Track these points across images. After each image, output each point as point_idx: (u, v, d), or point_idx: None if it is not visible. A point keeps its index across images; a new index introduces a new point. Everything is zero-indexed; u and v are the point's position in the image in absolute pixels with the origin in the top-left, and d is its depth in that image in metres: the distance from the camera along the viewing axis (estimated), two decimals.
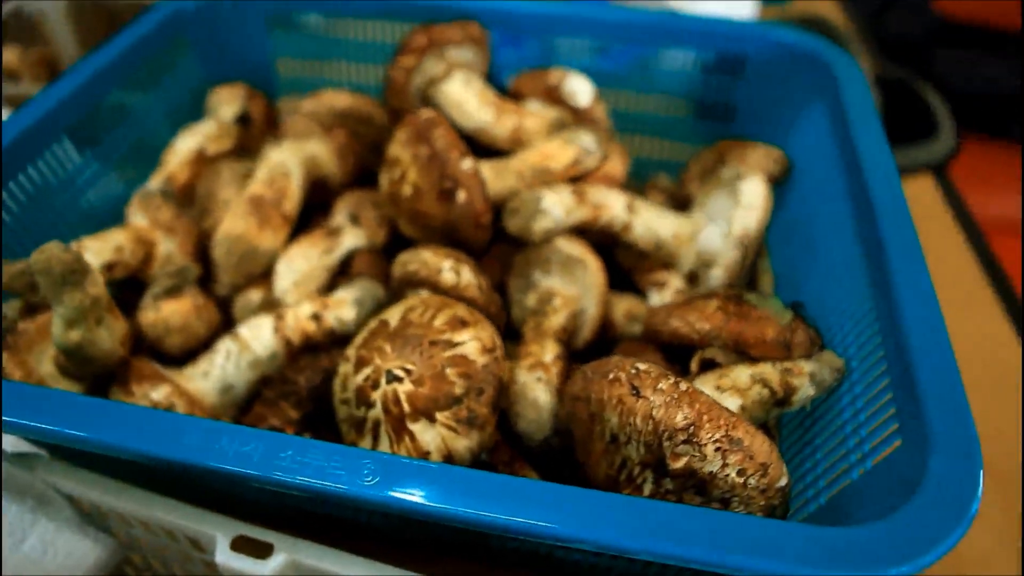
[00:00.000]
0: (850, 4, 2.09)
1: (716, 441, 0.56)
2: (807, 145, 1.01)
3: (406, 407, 0.60)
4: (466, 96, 1.00)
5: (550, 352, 0.77)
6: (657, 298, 0.90)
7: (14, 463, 0.67)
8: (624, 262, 0.94)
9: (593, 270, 0.84)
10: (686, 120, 1.22)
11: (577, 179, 0.94)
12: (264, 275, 0.88)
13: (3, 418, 0.56)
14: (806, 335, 0.74)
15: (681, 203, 1.06)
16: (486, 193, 0.81)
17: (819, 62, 0.99)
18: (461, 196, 0.79)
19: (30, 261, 0.64)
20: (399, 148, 0.84)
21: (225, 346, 0.77)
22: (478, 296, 0.75)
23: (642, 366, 0.60)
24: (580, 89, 1.04)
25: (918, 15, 2.61)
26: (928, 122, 1.52)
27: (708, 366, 0.73)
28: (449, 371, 0.61)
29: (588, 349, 0.88)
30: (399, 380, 0.61)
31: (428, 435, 0.60)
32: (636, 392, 0.58)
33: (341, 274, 0.90)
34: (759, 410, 0.69)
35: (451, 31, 0.99)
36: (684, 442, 0.56)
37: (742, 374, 0.70)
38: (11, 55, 1.47)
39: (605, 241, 0.90)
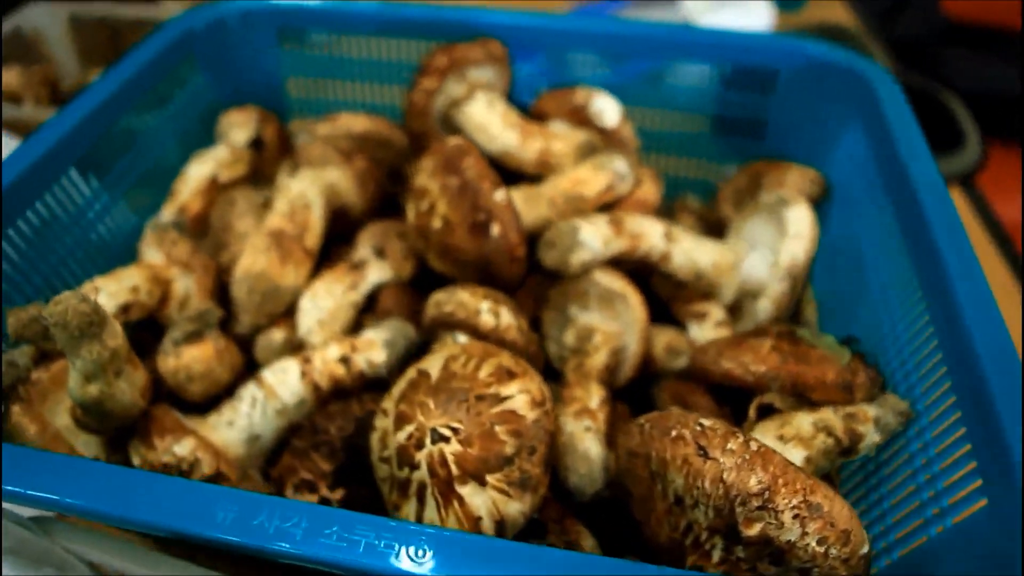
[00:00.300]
0: (860, 7, 2.06)
1: (794, 507, 0.52)
2: (844, 164, 0.97)
3: (454, 469, 0.56)
4: (490, 118, 0.96)
5: (596, 396, 0.73)
6: (697, 330, 0.86)
7: (29, 528, 0.63)
8: (661, 292, 0.90)
9: (634, 305, 0.80)
10: (705, 136, 1.18)
11: (609, 205, 0.90)
12: (286, 312, 0.83)
13: (5, 488, 0.52)
14: (867, 376, 0.70)
15: (713, 227, 1.03)
16: (520, 225, 0.77)
17: (855, 76, 0.95)
18: (495, 229, 0.75)
19: (45, 313, 0.60)
20: (426, 178, 0.79)
21: (250, 393, 0.73)
22: (518, 339, 0.71)
23: (707, 422, 0.56)
24: (607, 109, 1.00)
25: (927, 17, 2.58)
26: (953, 132, 1.49)
27: (765, 411, 0.69)
28: (498, 429, 0.57)
29: (628, 385, 0.84)
30: (445, 440, 0.57)
31: (479, 499, 0.56)
32: (704, 453, 0.54)
33: (366, 310, 0.86)
34: (824, 460, 0.65)
35: (473, 51, 0.95)
36: (759, 508, 0.52)
37: (804, 422, 0.66)
38: (11, 76, 1.42)
39: (640, 270, 0.86)
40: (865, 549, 0.54)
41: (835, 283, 0.90)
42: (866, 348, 0.79)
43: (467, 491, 0.56)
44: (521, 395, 0.59)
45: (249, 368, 0.81)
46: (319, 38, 1.14)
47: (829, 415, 0.66)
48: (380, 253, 0.85)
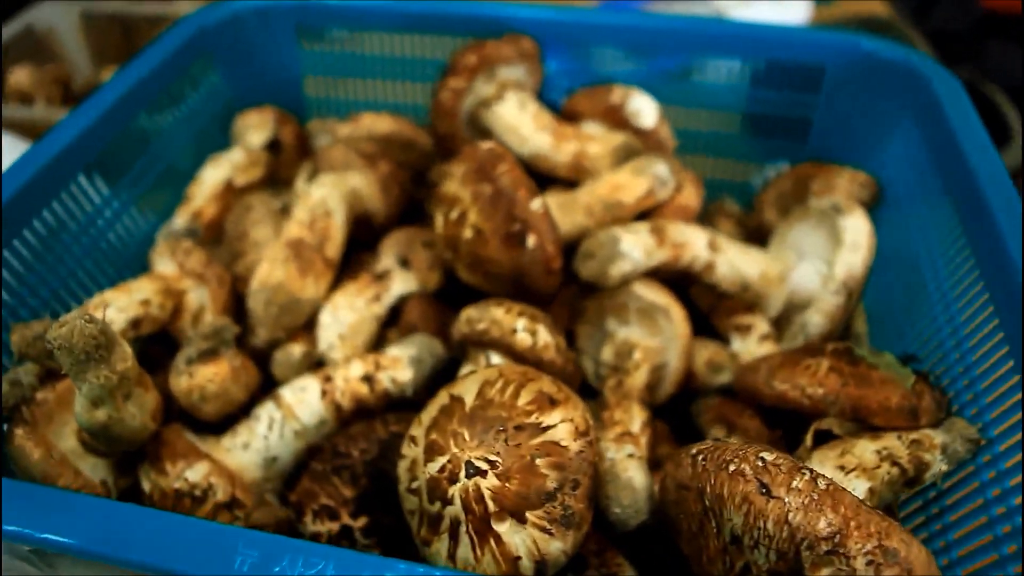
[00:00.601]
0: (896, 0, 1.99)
1: (867, 552, 0.47)
2: (897, 165, 0.92)
3: (491, 506, 0.51)
4: (521, 119, 0.91)
5: (638, 419, 0.68)
6: (740, 344, 0.81)
7: (31, 562, 0.59)
8: (701, 302, 0.85)
9: (677, 319, 0.74)
10: (738, 136, 1.13)
11: (648, 212, 0.85)
12: (306, 326, 0.79)
13: (5, 528, 0.48)
14: (933, 399, 0.64)
15: (753, 233, 0.97)
16: (558, 236, 0.72)
17: (911, 72, 0.89)
18: (531, 241, 0.70)
19: (49, 336, 0.56)
20: (457, 185, 0.75)
21: (267, 413, 0.69)
22: (556, 359, 0.66)
23: (769, 456, 0.51)
24: (645, 108, 0.95)
25: (964, 7, 2.50)
26: (999, 127, 1.42)
27: (822, 437, 0.64)
28: (540, 462, 0.52)
29: (667, 402, 0.79)
30: (482, 473, 0.52)
31: (517, 538, 0.51)
32: (766, 491, 0.49)
33: (390, 323, 0.81)
34: (888, 492, 0.60)
35: (504, 48, 0.90)
36: (828, 552, 0.47)
37: (867, 451, 0.60)
38: (23, 75, 1.39)
39: (679, 280, 0.81)
40: None
41: (887, 293, 0.84)
42: (927, 366, 0.73)
43: (505, 529, 0.52)
44: (563, 424, 0.54)
45: (266, 384, 0.76)
46: (339, 34, 1.09)
47: (893, 442, 0.61)
48: (405, 263, 0.81)
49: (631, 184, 0.82)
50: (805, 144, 1.03)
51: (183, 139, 0.99)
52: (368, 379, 0.70)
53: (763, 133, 1.11)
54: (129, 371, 0.59)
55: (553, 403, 0.55)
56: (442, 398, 0.59)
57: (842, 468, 0.59)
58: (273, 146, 1.03)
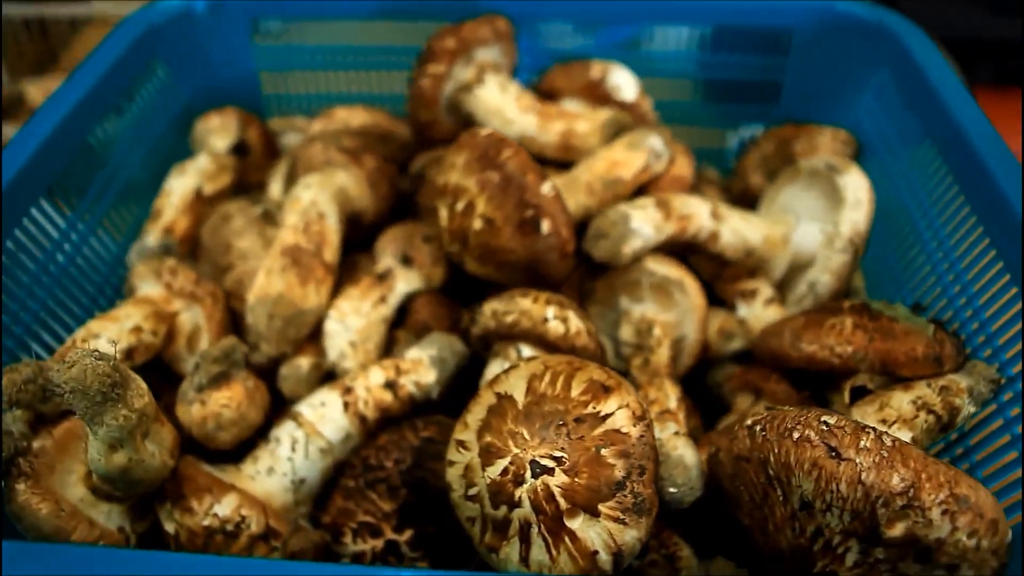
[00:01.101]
0: None
1: (941, 502, 0.48)
2: (874, 120, 0.94)
3: (563, 503, 0.50)
4: (504, 102, 0.89)
5: (672, 396, 0.67)
6: (747, 310, 0.81)
7: None
8: (703, 271, 0.85)
9: (692, 291, 0.74)
10: (700, 103, 1.13)
11: (644, 186, 0.84)
12: (310, 336, 0.75)
13: None
14: (953, 346, 0.66)
15: (739, 198, 0.98)
16: (570, 219, 0.70)
17: (882, 30, 0.91)
18: (545, 226, 0.68)
19: (58, 378, 0.51)
20: (459, 175, 0.72)
21: (288, 433, 0.65)
22: (589, 344, 0.65)
23: (831, 419, 0.51)
24: (625, 82, 0.94)
25: None
26: None
27: (856, 393, 0.65)
28: (605, 452, 0.51)
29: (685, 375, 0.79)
30: (549, 472, 0.50)
31: (592, 532, 0.50)
32: (836, 454, 0.49)
33: (396, 324, 0.78)
34: (927, 440, 0.61)
35: (481, 29, 0.87)
36: (903, 507, 0.48)
37: (903, 402, 0.61)
38: None
39: (681, 251, 0.81)
40: (1010, 536, 0.51)
41: (878, 245, 0.86)
42: (931, 313, 0.75)
43: (578, 525, 0.50)
44: (621, 411, 0.53)
45: (275, 404, 0.72)
46: (296, 26, 1.04)
47: (926, 391, 0.62)
48: (406, 260, 0.78)
49: (628, 159, 0.81)
50: (777, 106, 1.04)
51: (142, 149, 0.92)
52: (391, 385, 0.67)
53: (731, 98, 1.12)
54: (148, 408, 0.54)
55: (607, 390, 0.54)
56: (486, 398, 0.57)
57: (884, 422, 0.60)
58: (239, 149, 0.98)
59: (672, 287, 0.74)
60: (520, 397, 0.55)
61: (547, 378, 0.55)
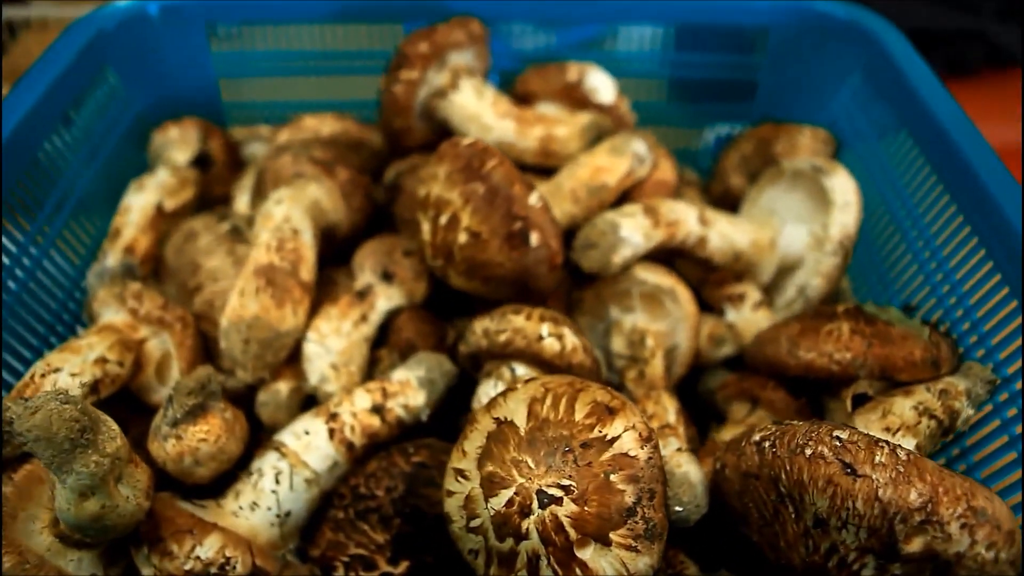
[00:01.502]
0: None
1: (960, 516, 0.47)
2: (851, 118, 0.93)
3: (572, 533, 0.47)
4: (481, 107, 0.86)
5: (671, 409, 0.65)
6: (735, 314, 0.80)
7: None
8: (688, 276, 0.83)
9: (684, 299, 0.73)
10: (664, 104, 1.12)
11: (628, 192, 0.82)
12: (288, 358, 0.71)
13: None
14: (949, 347, 0.66)
15: (719, 200, 0.97)
16: (559, 230, 0.68)
17: (859, 29, 0.90)
18: (534, 238, 0.66)
19: (17, 426, 0.46)
20: (441, 187, 0.69)
21: (271, 465, 0.62)
22: (585, 360, 0.62)
23: (843, 434, 0.50)
24: (602, 85, 0.92)
25: None
26: None
27: (857, 400, 0.64)
28: (614, 478, 0.49)
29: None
30: (557, 501, 0.48)
31: (603, 562, 0.48)
32: (851, 470, 0.48)
33: (378, 343, 0.75)
34: (930, 446, 0.61)
35: (454, 32, 0.84)
36: (922, 522, 0.47)
37: (905, 408, 0.61)
38: None
39: (667, 257, 0.79)
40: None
41: (861, 246, 0.86)
42: (919, 314, 0.75)
43: (589, 555, 0.48)
44: (628, 433, 0.51)
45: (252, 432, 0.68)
46: (256, 30, 0.99)
47: (926, 396, 0.62)
48: (387, 276, 0.74)
49: (612, 165, 0.79)
50: (752, 105, 1.03)
51: (96, 163, 0.87)
52: (378, 410, 0.64)
53: (705, 97, 1.11)
54: (120, 451, 0.50)
55: (611, 412, 0.52)
56: (485, 423, 0.54)
57: (888, 430, 0.59)
58: (201, 161, 0.93)
59: (663, 296, 0.73)
60: (521, 423, 0.52)
61: (548, 401, 0.52)
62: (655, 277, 0.72)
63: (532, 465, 0.50)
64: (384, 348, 0.74)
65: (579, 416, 0.51)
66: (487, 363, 0.65)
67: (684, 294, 0.73)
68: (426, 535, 0.59)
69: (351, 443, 0.63)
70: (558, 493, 0.48)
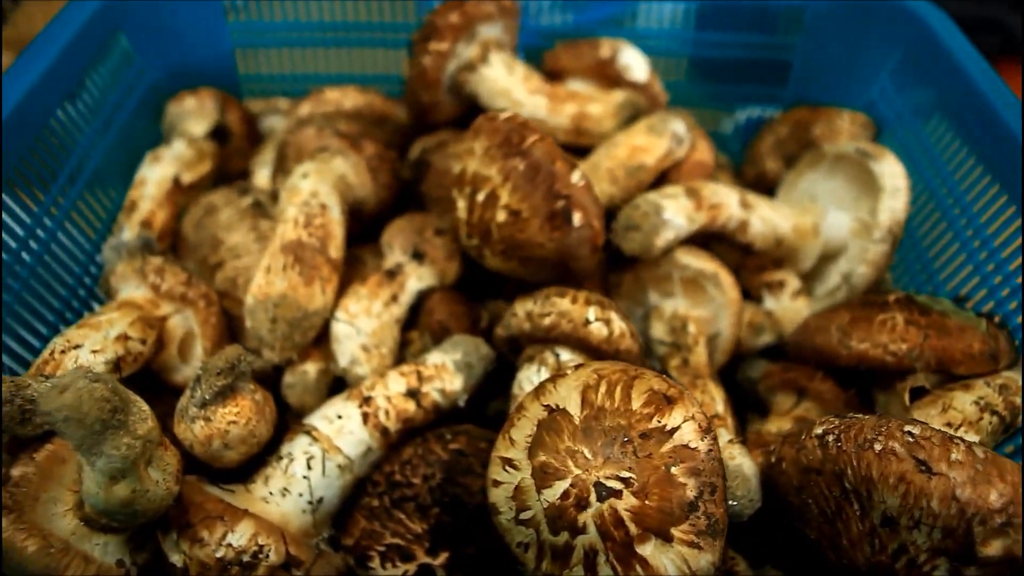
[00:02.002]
0: None
1: None
2: (890, 101, 0.90)
3: (632, 528, 0.45)
4: (511, 82, 0.83)
5: (719, 398, 0.63)
6: (774, 302, 0.78)
7: None
8: (725, 262, 0.81)
9: (727, 285, 0.70)
10: (684, 84, 1.09)
11: (665, 173, 0.79)
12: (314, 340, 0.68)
13: None
14: (1007, 340, 0.63)
15: (753, 184, 0.94)
16: (601, 210, 0.65)
17: (901, 9, 0.87)
18: (577, 218, 0.63)
19: (46, 406, 0.43)
20: (478, 163, 0.66)
21: (302, 449, 0.59)
22: (632, 346, 0.60)
23: (915, 429, 0.47)
24: (635, 62, 0.89)
25: None
26: None
27: (914, 394, 0.62)
28: (675, 471, 0.46)
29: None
30: (616, 494, 0.45)
31: (665, 559, 0.45)
32: (925, 467, 0.46)
33: (407, 325, 0.72)
34: (992, 443, 0.59)
35: (486, 4, 0.81)
36: (1003, 524, 0.45)
37: (966, 403, 0.58)
38: None
39: (704, 240, 0.76)
40: None
41: (907, 234, 0.84)
42: (974, 303, 0.73)
43: (650, 551, 0.45)
44: (688, 424, 0.48)
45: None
46: (273, 1, 0.95)
47: (986, 391, 0.60)
48: (418, 255, 0.71)
49: (651, 144, 0.76)
50: (784, 87, 1.00)
51: (109, 135, 0.83)
52: (413, 394, 0.61)
53: (734, 78, 1.08)
54: (152, 433, 0.48)
55: (670, 401, 0.49)
56: (534, 411, 0.51)
57: (949, 425, 0.57)
58: (218, 134, 0.89)
59: (706, 281, 0.70)
60: (575, 411, 0.49)
61: (603, 388, 0.50)
62: (698, 262, 0.70)
63: (589, 456, 0.47)
64: (414, 330, 0.71)
65: (636, 405, 0.49)
66: (529, 347, 0.62)
67: (727, 280, 0.70)
68: (466, 525, 0.57)
69: (385, 428, 0.60)
70: (617, 486, 0.46)
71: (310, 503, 0.58)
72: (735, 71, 1.05)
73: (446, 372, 0.63)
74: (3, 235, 0.65)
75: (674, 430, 0.48)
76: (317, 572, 0.54)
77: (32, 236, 0.70)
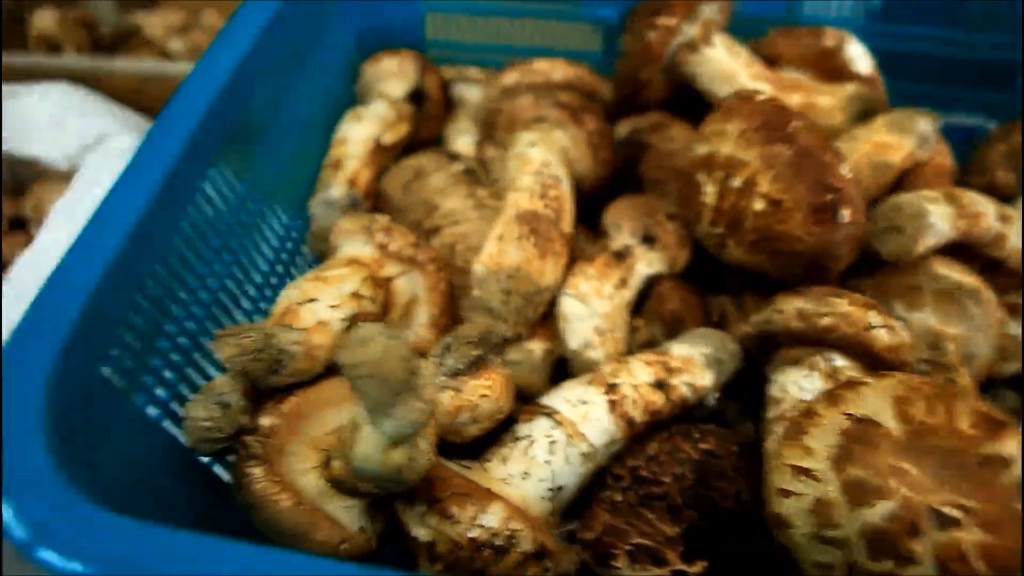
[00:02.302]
0: None
1: None
2: None
3: (980, 567, 0.40)
4: (735, 66, 0.78)
5: None
6: (1015, 327, 0.71)
7: None
8: None
9: (989, 303, 0.64)
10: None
11: (906, 175, 0.74)
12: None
13: None
14: None
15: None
16: (866, 208, 0.60)
17: None
18: (846, 214, 0.58)
19: (346, 359, 0.41)
20: (733, 146, 0.61)
21: (543, 433, 0.56)
22: (911, 360, 0.55)
23: None
24: (860, 55, 0.83)
25: None
26: None
27: None
28: (1018, 506, 0.41)
29: None
30: (956, 524, 0.41)
31: None
32: None
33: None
34: None
35: None
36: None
37: None
38: (48, 20, 1.16)
39: (953, 252, 0.70)
40: None
41: None
42: None
43: None
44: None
45: None
46: None
47: None
48: (648, 239, 0.67)
49: (897, 142, 0.70)
50: (1006, 93, 0.93)
51: (312, 100, 0.81)
52: (661, 385, 0.57)
53: (921, 79, 1.00)
54: (435, 399, 0.45)
55: (1000, 426, 0.44)
56: (832, 419, 0.47)
57: None
58: (415, 97, 0.87)
59: (964, 297, 0.64)
60: (891, 424, 0.45)
61: (921, 404, 0.45)
62: (957, 274, 0.64)
63: (918, 476, 0.42)
64: (640, 317, 0.67)
65: (963, 425, 0.44)
66: (793, 349, 0.58)
67: (990, 298, 0.64)
68: (721, 533, 0.53)
69: (632, 419, 0.56)
70: (957, 515, 0.41)
71: (550, 489, 0.55)
72: (961, 72, 0.96)
73: (695, 366, 0.59)
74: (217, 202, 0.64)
75: (1011, 460, 0.43)
76: (566, 565, 0.51)
77: (244, 203, 0.68)
